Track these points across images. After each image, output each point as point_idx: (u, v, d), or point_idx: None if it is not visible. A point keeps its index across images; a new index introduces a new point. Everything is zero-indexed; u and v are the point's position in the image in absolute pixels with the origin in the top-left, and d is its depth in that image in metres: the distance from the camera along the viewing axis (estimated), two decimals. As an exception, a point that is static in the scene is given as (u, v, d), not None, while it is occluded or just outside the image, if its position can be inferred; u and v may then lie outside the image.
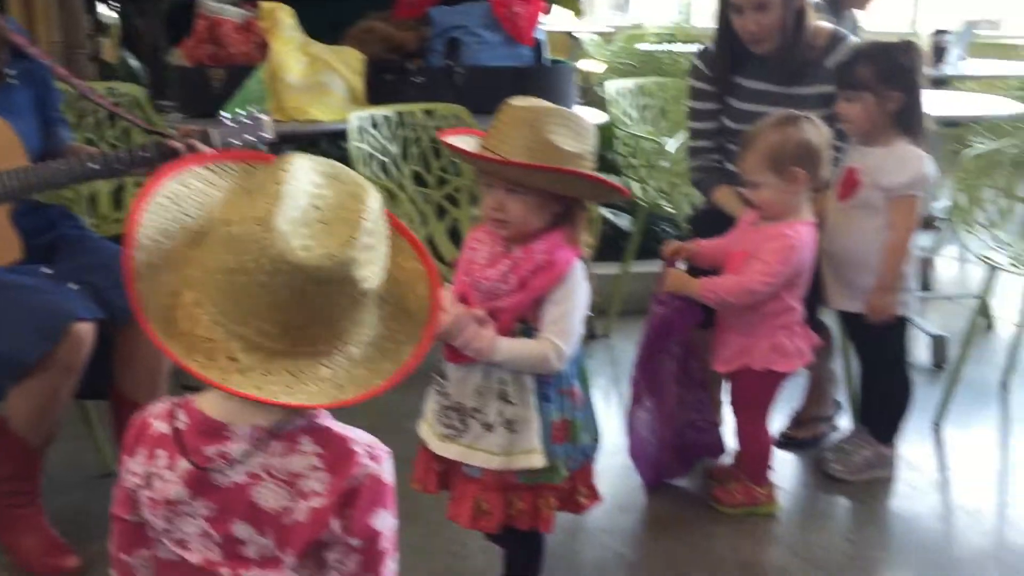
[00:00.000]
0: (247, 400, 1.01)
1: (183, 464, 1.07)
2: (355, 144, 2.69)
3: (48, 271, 1.94)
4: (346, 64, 3.03)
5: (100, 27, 4.62)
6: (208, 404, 1.08)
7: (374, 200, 1.06)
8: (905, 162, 2.18)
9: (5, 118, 1.95)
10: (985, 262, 2.67)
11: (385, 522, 1.10)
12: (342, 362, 1.05)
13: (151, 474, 1.09)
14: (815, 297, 2.26)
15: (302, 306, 1.00)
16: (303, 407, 1.04)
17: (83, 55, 3.81)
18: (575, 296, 1.67)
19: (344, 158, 2.79)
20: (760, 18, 2.32)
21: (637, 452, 2.32)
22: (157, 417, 1.11)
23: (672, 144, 3.14)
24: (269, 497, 1.07)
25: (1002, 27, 7.75)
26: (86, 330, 1.83)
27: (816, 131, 2.08)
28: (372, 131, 2.79)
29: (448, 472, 1.79)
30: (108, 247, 2.05)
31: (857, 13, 4.85)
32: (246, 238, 0.98)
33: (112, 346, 1.96)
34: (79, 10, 3.76)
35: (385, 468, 1.10)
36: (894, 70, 2.19)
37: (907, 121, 2.21)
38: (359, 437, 1.11)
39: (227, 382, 0.99)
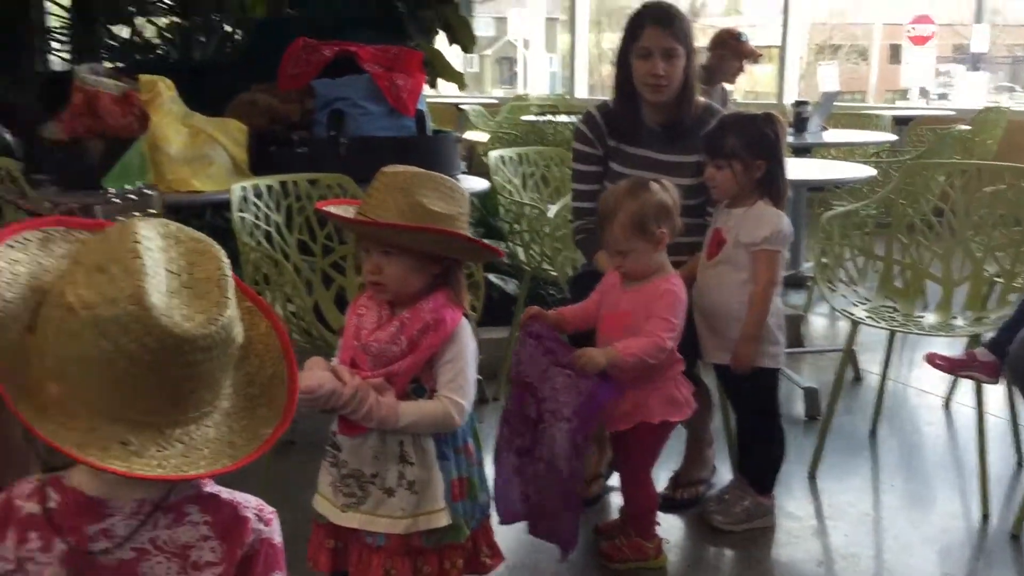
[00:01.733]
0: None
1: (60, 545, 1.03)
2: (238, 214, 2.69)
3: None
4: (229, 135, 3.03)
5: (-30, 100, 4.50)
6: (82, 480, 1.04)
7: (222, 253, 1.06)
8: (763, 220, 2.31)
9: None
10: (847, 317, 2.82)
11: None
12: (218, 418, 1.04)
13: (23, 559, 1.04)
14: (691, 352, 2.35)
15: (191, 377, 0.99)
16: (213, 475, 1.01)
17: (-50, 128, 3.71)
18: (466, 353, 1.72)
19: (229, 229, 2.78)
20: (666, 65, 2.44)
21: (502, 492, 2.22)
22: (24, 498, 1.06)
23: (553, 210, 3.23)
24: (159, 571, 1.04)
25: (865, 98, 8.29)
26: None
27: (664, 191, 2.19)
28: (256, 201, 2.79)
29: (344, 547, 1.77)
30: None
31: (727, 86, 5.13)
32: (123, 319, 0.94)
33: None
34: (-54, 82, 3.67)
35: (275, 529, 1.11)
36: (759, 140, 2.33)
37: (770, 186, 2.35)
38: (247, 501, 1.10)
39: (133, 468, 0.96)
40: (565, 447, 2.09)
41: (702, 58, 4.71)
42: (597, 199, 2.61)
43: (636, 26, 2.48)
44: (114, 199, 2.04)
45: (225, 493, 1.09)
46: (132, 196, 2.06)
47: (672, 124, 2.55)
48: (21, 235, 1.05)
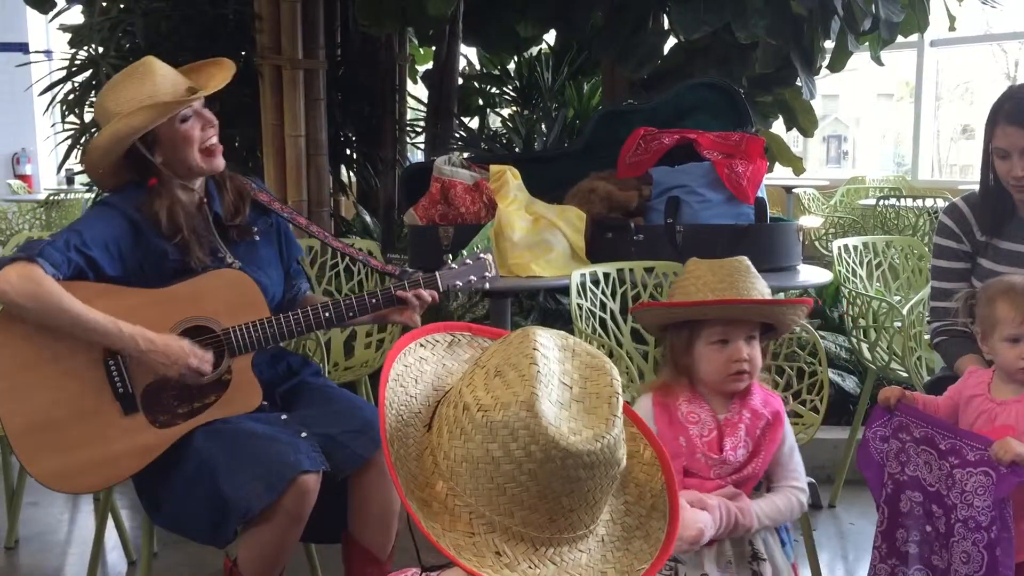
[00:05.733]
0: None
1: None
2: (576, 301, 2.72)
3: (284, 417, 2.04)
4: (568, 222, 3.10)
5: (340, 187, 5.02)
6: None
7: (615, 371, 1.04)
8: None
9: (253, 272, 2.09)
10: None
11: None
12: (593, 545, 1.01)
13: None
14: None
15: (571, 493, 0.97)
16: None
17: (325, 212, 4.15)
18: (791, 434, 1.75)
19: (560, 312, 2.83)
20: None
21: None
22: None
23: (907, 306, 2.98)
24: None
25: None
26: (311, 481, 1.88)
27: None
28: (592, 288, 2.81)
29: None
30: (344, 396, 2.15)
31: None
32: (512, 425, 0.95)
33: (344, 491, 2.01)
34: (324, 172, 4.11)
35: None
36: None
37: None
38: None
39: None
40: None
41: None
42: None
43: (991, 123, 2.26)
44: (452, 266, 2.17)
45: None
46: (468, 262, 2.18)
47: None
48: (432, 336, 1.12)
